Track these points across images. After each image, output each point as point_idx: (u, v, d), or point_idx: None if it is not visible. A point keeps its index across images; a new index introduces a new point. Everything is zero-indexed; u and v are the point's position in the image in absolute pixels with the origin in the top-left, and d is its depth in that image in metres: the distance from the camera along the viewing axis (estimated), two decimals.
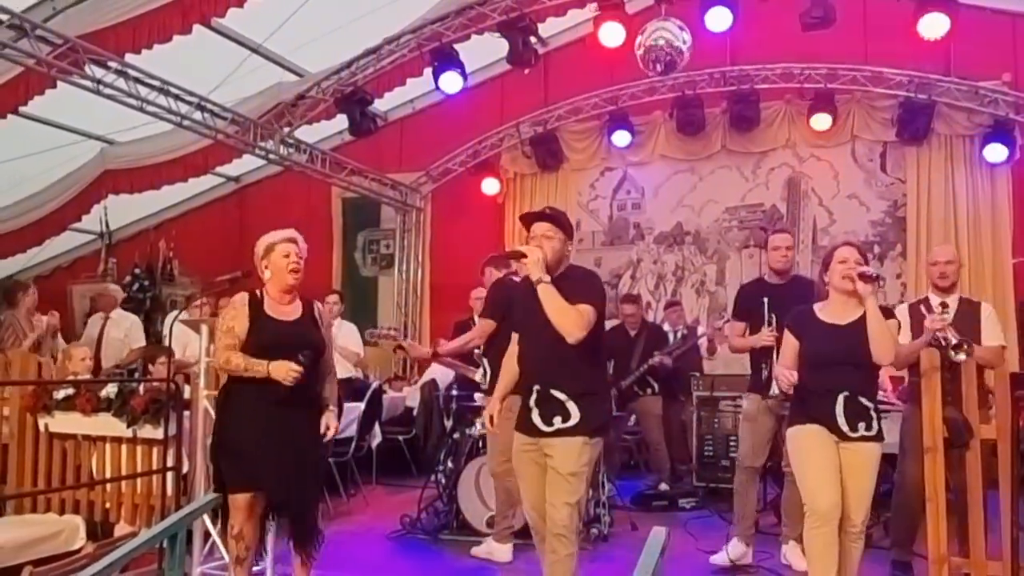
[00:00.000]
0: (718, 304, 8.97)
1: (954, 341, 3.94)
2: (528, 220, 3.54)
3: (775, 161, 8.99)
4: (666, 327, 7.61)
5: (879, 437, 3.51)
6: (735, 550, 4.63)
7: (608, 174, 9.69)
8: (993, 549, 3.75)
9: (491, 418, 3.64)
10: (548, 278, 3.30)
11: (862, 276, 3.44)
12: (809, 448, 3.51)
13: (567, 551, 3.34)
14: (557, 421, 3.32)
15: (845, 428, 3.45)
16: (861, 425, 3.46)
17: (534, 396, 3.38)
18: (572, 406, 3.31)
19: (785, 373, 3.56)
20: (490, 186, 9.81)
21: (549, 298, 3.27)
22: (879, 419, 3.53)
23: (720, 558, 4.64)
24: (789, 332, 3.70)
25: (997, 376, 3.81)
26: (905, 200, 8.49)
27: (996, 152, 7.89)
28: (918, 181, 8.41)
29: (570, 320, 3.27)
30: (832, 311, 3.59)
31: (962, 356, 3.94)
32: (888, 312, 3.68)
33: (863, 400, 3.48)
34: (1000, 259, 8.08)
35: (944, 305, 4.22)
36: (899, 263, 8.49)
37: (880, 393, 5.36)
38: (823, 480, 3.43)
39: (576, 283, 3.39)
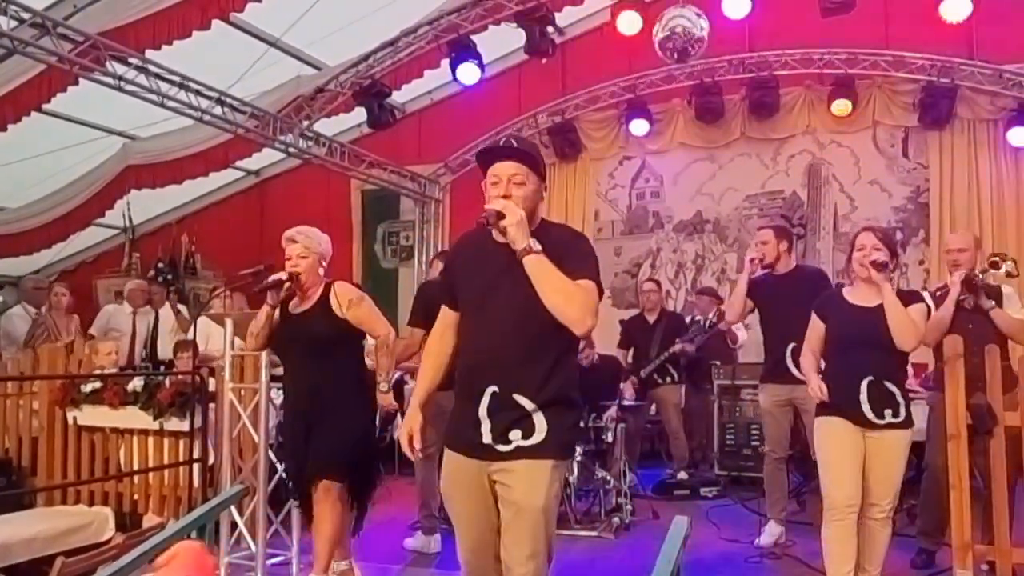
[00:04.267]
0: None
1: (982, 270, 4.17)
2: (488, 158, 2.50)
3: (795, 148, 8.92)
4: (697, 315, 7.57)
5: (907, 423, 3.51)
6: (772, 532, 4.83)
7: (627, 163, 9.66)
8: (1019, 537, 3.74)
9: (411, 439, 2.61)
10: (538, 246, 2.34)
11: (874, 264, 3.46)
12: (832, 442, 3.53)
13: None
14: (515, 437, 2.40)
15: (871, 415, 3.45)
16: (887, 412, 3.46)
17: (486, 402, 2.42)
18: (539, 417, 2.40)
19: (815, 390, 3.58)
20: None
21: (544, 275, 2.32)
22: (907, 405, 3.52)
23: (763, 540, 4.82)
24: (815, 315, 3.74)
25: (1021, 361, 3.78)
26: (928, 186, 8.40)
27: (1020, 136, 7.77)
28: (941, 166, 8.31)
29: (577, 304, 2.34)
30: (858, 293, 3.61)
31: (1003, 268, 4.20)
32: (915, 296, 3.70)
33: (889, 385, 3.47)
34: None
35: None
36: (922, 249, 8.41)
37: None
38: (842, 475, 3.46)
39: (565, 247, 2.44)
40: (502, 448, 2.41)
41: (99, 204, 8.91)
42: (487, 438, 2.42)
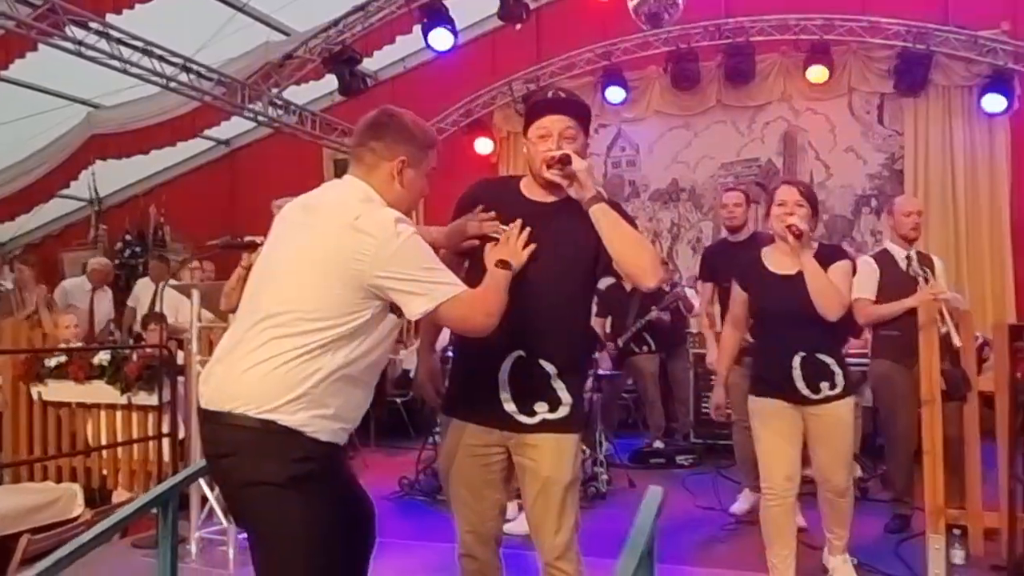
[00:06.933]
0: None
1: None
2: (537, 111, 2.38)
3: (771, 115, 8.87)
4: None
5: (846, 392, 3.28)
6: (747, 499, 4.79)
7: (602, 131, 9.56)
8: (987, 500, 3.77)
9: (436, 391, 2.59)
10: (605, 194, 2.32)
11: (791, 230, 3.15)
12: (766, 424, 3.32)
13: None
14: (542, 410, 2.32)
15: (806, 392, 3.23)
16: (824, 385, 3.23)
17: (507, 366, 2.31)
18: (561, 386, 2.33)
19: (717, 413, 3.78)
20: (483, 145, 9.70)
21: (616, 223, 2.26)
22: (845, 372, 3.29)
23: (738, 507, 4.79)
24: (737, 283, 3.50)
25: (995, 328, 3.80)
26: (903, 153, 8.40)
27: (995, 102, 7.78)
28: (916, 133, 8.30)
29: (650, 253, 2.33)
30: (778, 259, 3.32)
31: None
32: (838, 252, 3.41)
33: (822, 357, 3.23)
34: (996, 211, 7.99)
35: (908, 258, 4.26)
36: None
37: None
38: (779, 457, 3.27)
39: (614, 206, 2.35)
40: (527, 420, 2.33)
41: (63, 175, 8.73)
42: (509, 407, 2.32)
